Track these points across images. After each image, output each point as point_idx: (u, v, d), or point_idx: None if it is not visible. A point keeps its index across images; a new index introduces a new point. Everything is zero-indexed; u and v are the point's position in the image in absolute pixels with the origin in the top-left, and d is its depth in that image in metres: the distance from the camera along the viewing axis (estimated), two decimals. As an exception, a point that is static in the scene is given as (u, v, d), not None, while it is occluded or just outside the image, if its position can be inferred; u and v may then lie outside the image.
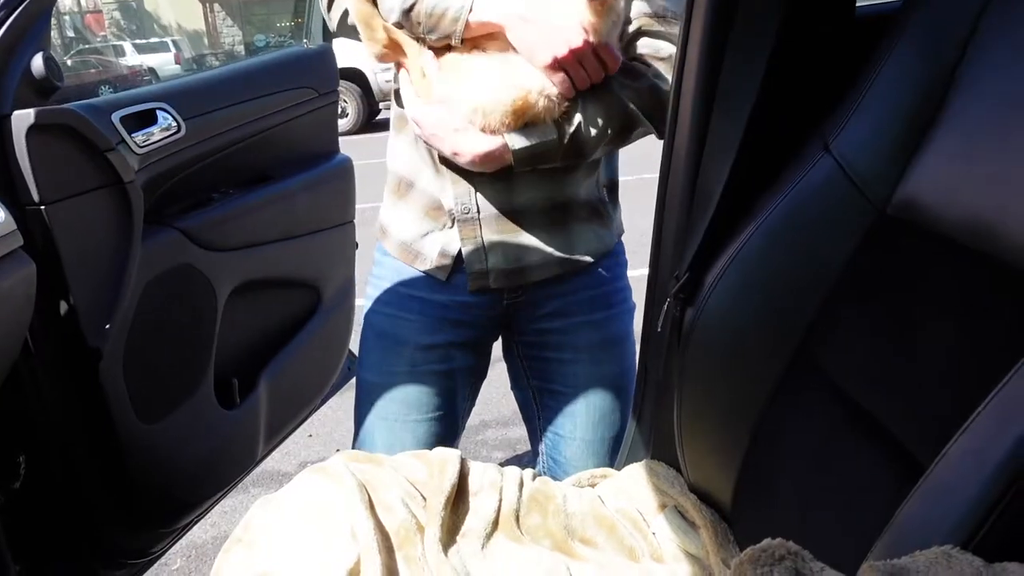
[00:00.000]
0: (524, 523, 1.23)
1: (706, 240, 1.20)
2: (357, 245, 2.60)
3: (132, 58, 24.24)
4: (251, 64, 2.36)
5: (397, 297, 1.60)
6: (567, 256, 1.54)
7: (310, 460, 3.50)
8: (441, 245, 1.53)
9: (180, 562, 2.91)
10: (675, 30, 1.42)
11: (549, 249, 1.52)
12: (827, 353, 1.05)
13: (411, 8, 1.40)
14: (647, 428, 1.48)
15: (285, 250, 2.26)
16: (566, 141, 1.39)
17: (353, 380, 2.94)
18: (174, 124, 1.88)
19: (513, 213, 1.49)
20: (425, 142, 1.46)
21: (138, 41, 26.18)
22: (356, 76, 13.04)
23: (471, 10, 1.36)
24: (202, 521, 2.47)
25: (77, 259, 1.63)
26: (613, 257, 1.63)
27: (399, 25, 1.43)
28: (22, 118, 1.54)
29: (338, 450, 3.54)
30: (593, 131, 1.40)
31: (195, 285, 1.96)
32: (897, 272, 0.98)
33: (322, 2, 1.65)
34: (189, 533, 2.34)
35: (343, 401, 3.81)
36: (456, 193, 1.49)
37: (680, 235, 1.25)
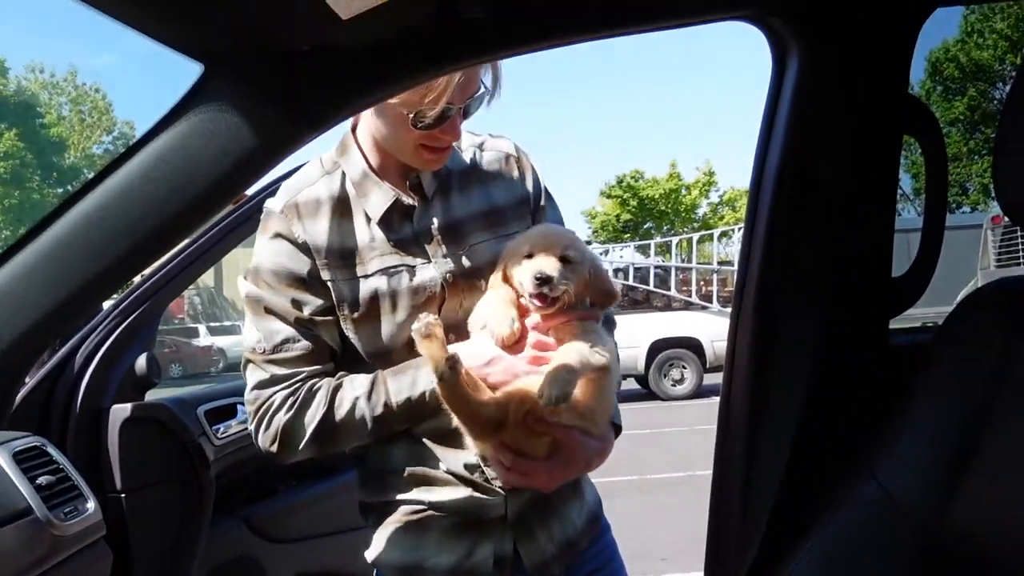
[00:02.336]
0: None
1: (758, 559, 1.22)
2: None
3: (205, 339, 25.68)
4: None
5: None
6: (592, 513, 1.56)
7: None
8: (494, 554, 1.45)
9: None
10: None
11: (580, 515, 1.53)
12: None
13: (383, 411, 1.36)
14: None
15: (341, 543, 2.28)
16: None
17: None
18: (251, 417, 2.02)
19: (548, 498, 1.46)
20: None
21: (212, 324, 27.87)
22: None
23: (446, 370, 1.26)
24: None
25: (146, 547, 1.70)
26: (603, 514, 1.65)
27: (372, 437, 1.39)
28: (119, 411, 1.70)
29: None
30: (618, 382, 1.46)
31: (251, 577, 1.99)
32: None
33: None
34: None
35: None
36: (512, 505, 1.43)
37: (733, 549, 1.27)
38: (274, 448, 1.39)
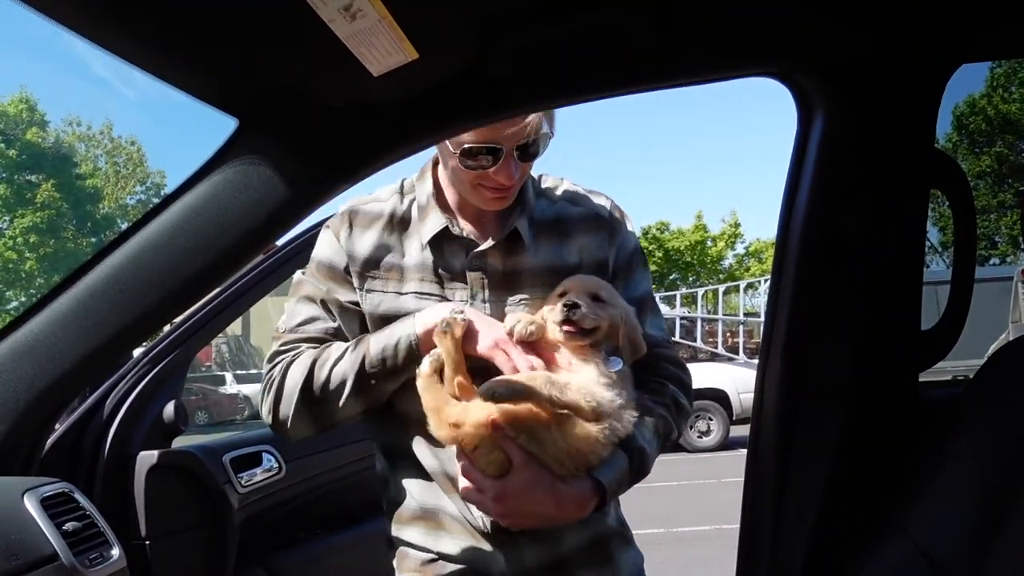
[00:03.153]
0: None
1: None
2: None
3: (231, 387, 25.79)
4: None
5: None
6: None
7: None
8: None
9: None
10: (674, 352, 1.52)
11: None
12: None
13: (361, 365, 1.36)
14: None
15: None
16: (635, 462, 1.37)
17: None
18: (276, 465, 2.03)
19: (563, 562, 1.42)
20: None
21: (239, 372, 28.02)
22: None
23: (420, 328, 1.33)
24: None
25: (169, 596, 1.70)
26: None
27: (357, 400, 1.38)
28: (146, 458, 1.71)
29: None
30: (649, 448, 1.39)
31: (272, 629, 1.97)
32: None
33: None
34: None
35: None
36: (513, 563, 1.40)
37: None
38: (271, 419, 1.41)
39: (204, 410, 22.74)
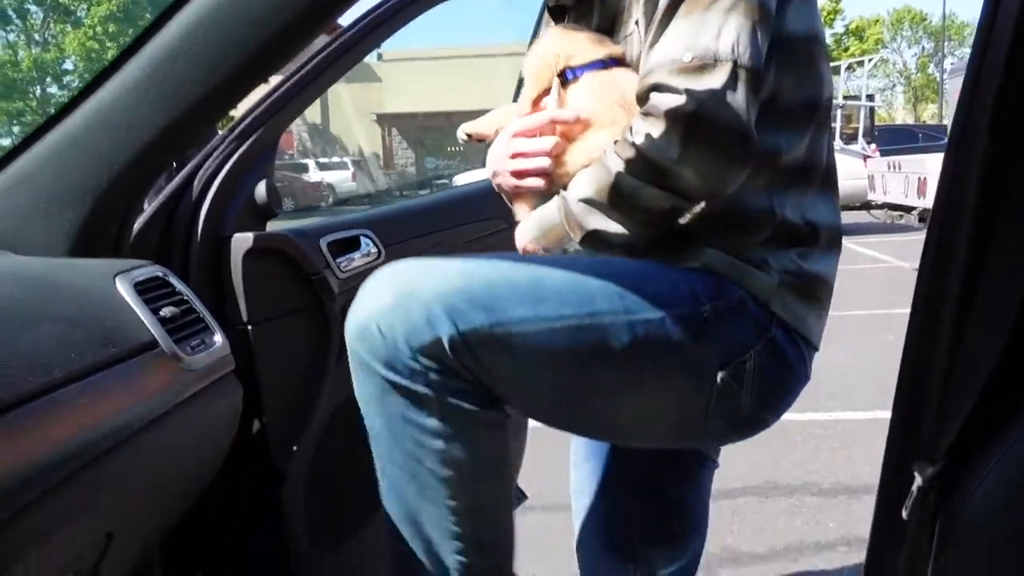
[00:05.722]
0: None
1: (969, 424, 1.04)
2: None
3: (314, 175, 26.23)
4: (447, 195, 2.41)
5: None
6: None
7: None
8: None
9: None
10: (698, 79, 1.11)
11: None
12: None
13: None
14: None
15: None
16: (565, 216, 1.26)
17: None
18: (375, 250, 1.91)
19: None
20: None
21: (321, 160, 28.36)
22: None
23: None
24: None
25: (274, 380, 1.64)
26: None
27: None
28: (241, 241, 1.60)
29: None
30: (573, 197, 1.25)
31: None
32: None
33: None
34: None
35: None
36: None
37: (936, 411, 1.09)
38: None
39: (290, 197, 23.23)
